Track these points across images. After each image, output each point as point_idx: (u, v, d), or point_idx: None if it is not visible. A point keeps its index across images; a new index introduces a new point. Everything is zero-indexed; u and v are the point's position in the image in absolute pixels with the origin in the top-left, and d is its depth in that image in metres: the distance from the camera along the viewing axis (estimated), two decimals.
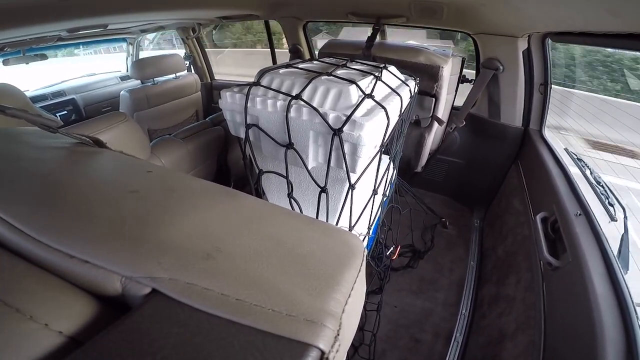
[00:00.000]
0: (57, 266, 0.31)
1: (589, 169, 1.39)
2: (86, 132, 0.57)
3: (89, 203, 0.37)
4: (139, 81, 2.58)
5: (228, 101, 1.04)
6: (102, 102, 3.06)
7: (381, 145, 1.01)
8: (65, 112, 2.80)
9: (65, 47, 3.02)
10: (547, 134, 1.86)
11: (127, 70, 3.43)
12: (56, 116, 2.60)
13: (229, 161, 1.72)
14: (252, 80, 1.08)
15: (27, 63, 2.49)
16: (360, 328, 1.48)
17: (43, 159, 0.48)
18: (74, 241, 0.31)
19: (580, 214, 1.11)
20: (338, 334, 0.26)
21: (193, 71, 3.29)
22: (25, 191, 0.37)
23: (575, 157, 1.51)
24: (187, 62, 3.21)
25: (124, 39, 3.25)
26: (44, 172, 0.43)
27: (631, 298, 0.81)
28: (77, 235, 0.32)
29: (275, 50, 2.94)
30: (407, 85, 1.20)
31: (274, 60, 2.95)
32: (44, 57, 2.57)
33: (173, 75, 2.71)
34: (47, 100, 2.73)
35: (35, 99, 2.56)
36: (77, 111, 2.89)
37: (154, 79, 2.55)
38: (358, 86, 0.95)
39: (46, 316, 0.26)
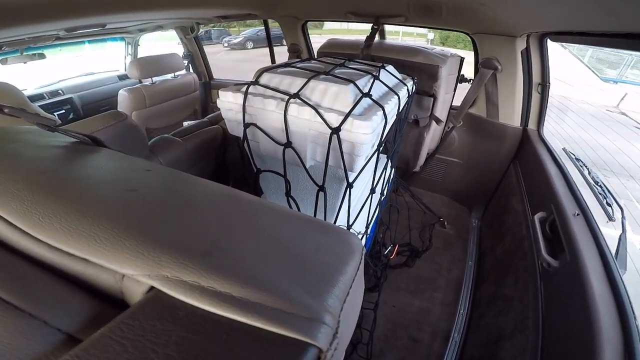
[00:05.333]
0: (55, 264, 0.31)
1: (587, 169, 1.39)
2: (84, 130, 0.56)
3: (87, 201, 0.37)
4: (137, 80, 2.57)
5: (226, 100, 1.04)
6: (100, 102, 3.05)
7: (379, 144, 1.01)
8: (63, 111, 2.78)
9: (64, 46, 2.99)
10: (545, 133, 1.87)
11: (125, 70, 3.41)
12: (54, 115, 2.58)
13: (227, 160, 1.72)
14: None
15: (25, 62, 2.47)
16: (359, 326, 1.48)
17: (41, 158, 0.47)
18: (72, 239, 0.31)
19: (578, 214, 1.11)
20: (336, 332, 0.26)
21: (192, 70, 3.28)
22: (24, 189, 0.37)
23: (574, 156, 1.51)
24: (186, 62, 3.20)
25: (122, 38, 3.23)
26: (42, 170, 0.43)
27: (629, 298, 0.81)
28: (76, 233, 0.32)
29: None
30: (405, 84, 1.20)
31: (273, 60, 2.95)
32: (42, 56, 2.54)
33: (171, 75, 2.70)
34: (44, 99, 2.71)
35: (32, 98, 2.54)
36: (74, 110, 2.87)
37: (152, 78, 2.54)
38: (356, 85, 0.95)
39: (45, 314, 0.26)
